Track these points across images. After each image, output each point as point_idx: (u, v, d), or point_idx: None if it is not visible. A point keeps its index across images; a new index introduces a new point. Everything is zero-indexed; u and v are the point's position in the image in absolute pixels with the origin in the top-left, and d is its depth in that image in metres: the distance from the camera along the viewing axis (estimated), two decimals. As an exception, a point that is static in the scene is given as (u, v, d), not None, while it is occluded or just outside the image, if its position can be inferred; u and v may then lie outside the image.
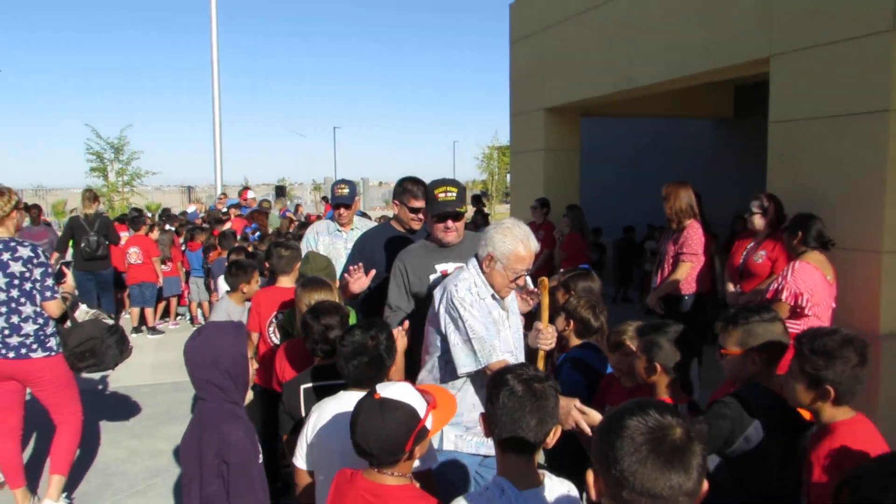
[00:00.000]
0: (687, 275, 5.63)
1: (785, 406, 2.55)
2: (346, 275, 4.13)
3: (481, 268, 3.15)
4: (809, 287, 4.45)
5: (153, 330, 10.14)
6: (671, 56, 7.01)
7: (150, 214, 12.51)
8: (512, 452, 2.04)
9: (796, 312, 4.51)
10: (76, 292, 5.33)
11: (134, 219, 10.49)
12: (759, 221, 5.26)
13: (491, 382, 2.14)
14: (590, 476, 1.43)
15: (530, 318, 3.61)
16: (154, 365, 8.51)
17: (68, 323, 4.62)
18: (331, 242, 5.16)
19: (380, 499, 2.13)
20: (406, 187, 4.36)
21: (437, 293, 3.21)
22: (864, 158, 4.95)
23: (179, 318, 11.15)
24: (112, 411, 6.68)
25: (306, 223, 9.92)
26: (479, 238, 3.84)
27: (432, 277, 3.67)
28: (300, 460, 2.73)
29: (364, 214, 8.16)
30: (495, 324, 3.13)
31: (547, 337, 3.29)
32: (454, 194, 3.60)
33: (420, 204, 4.25)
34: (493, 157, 41.06)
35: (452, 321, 3.07)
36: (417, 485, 2.28)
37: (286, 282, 4.63)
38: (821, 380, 2.25)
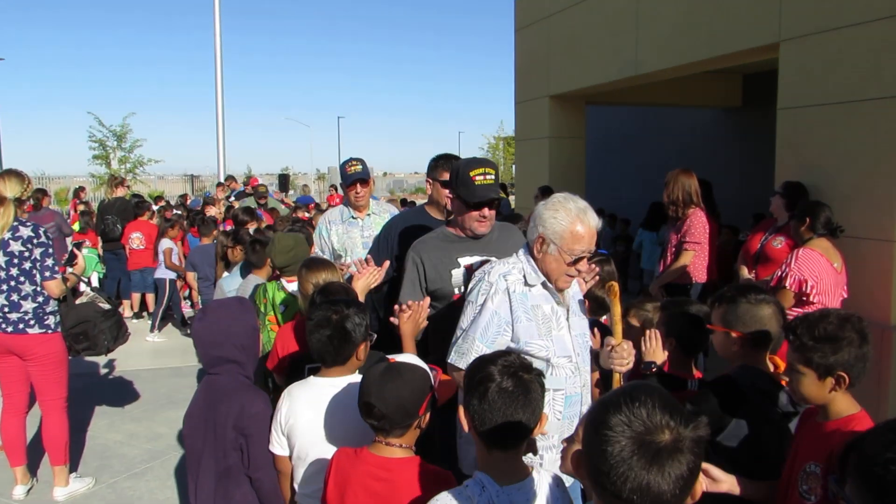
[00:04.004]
0: (691, 263, 5.58)
1: (780, 389, 2.53)
2: (353, 271, 3.64)
3: (532, 254, 2.69)
4: (814, 274, 4.40)
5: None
6: (678, 42, 6.94)
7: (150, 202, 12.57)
8: (498, 448, 1.94)
9: (802, 300, 4.46)
10: (86, 277, 5.32)
11: (137, 205, 10.48)
12: (777, 203, 5.19)
13: (474, 374, 2.00)
14: (571, 451, 1.37)
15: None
16: (154, 350, 8.51)
17: (66, 304, 4.64)
18: (345, 231, 4.62)
19: (391, 472, 2.10)
20: (440, 163, 3.78)
21: (479, 271, 2.83)
22: (876, 145, 4.88)
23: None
24: (112, 396, 6.67)
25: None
26: (508, 227, 3.55)
27: (454, 273, 3.26)
28: (278, 447, 2.62)
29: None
30: (546, 320, 2.66)
31: (623, 355, 2.67)
32: (493, 177, 3.15)
33: None
34: (499, 148, 41.02)
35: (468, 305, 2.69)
36: None
37: (262, 275, 4.60)
38: (832, 367, 2.14)
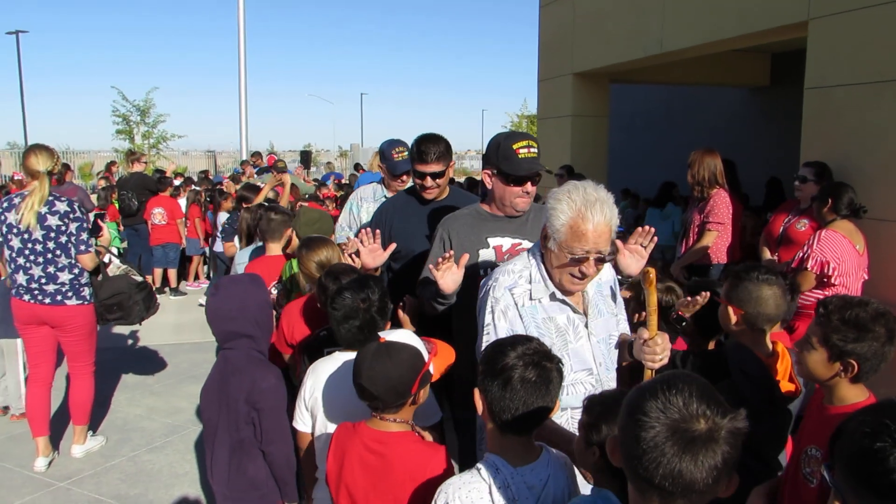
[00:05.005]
0: (713, 244, 5.56)
1: (766, 376, 2.54)
2: (355, 240, 3.49)
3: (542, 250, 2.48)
4: (836, 256, 4.37)
5: (175, 291, 10.27)
6: (705, 20, 6.85)
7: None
8: (513, 433, 1.94)
9: (823, 282, 4.44)
10: (113, 248, 5.52)
11: (159, 180, 10.61)
12: (811, 189, 5.11)
13: (494, 359, 1.94)
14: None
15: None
16: (176, 325, 8.65)
17: (100, 276, 4.87)
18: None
19: (384, 445, 2.16)
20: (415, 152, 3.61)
21: (486, 278, 2.67)
22: (903, 126, 4.80)
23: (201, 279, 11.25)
24: (133, 370, 6.82)
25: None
26: (543, 209, 3.45)
27: (482, 253, 3.09)
28: (301, 423, 2.69)
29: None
30: (561, 333, 2.45)
31: (656, 350, 2.37)
32: (536, 150, 2.94)
33: (432, 168, 3.58)
34: (522, 126, 40.72)
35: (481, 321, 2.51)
36: (427, 435, 2.31)
37: (275, 249, 4.56)
38: (846, 353, 2.13)
